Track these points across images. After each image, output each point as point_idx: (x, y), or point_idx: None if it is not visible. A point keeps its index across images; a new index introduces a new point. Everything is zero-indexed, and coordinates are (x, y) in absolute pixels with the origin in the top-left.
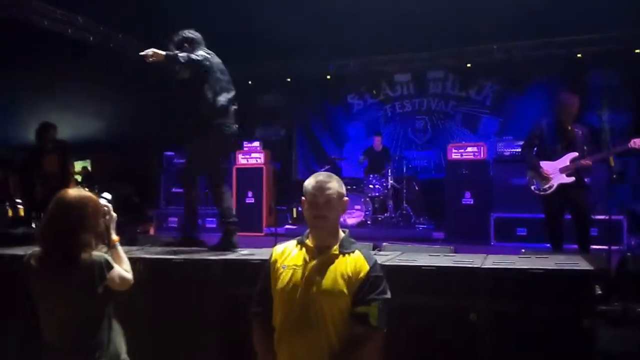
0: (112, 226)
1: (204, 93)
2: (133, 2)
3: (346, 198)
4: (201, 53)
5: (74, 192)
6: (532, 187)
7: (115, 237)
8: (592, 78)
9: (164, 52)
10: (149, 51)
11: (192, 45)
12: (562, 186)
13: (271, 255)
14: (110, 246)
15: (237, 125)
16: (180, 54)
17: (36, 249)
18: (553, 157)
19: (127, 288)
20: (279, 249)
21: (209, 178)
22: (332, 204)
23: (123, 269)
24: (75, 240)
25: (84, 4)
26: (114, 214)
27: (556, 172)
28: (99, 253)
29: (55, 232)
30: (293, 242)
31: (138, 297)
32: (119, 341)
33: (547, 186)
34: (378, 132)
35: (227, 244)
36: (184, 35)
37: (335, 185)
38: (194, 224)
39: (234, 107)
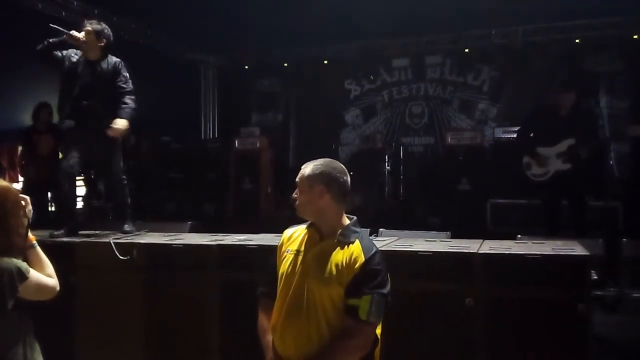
0: (28, 224)
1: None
2: None
3: (322, 186)
4: (126, 74)
5: None
6: (528, 173)
7: (31, 236)
8: (590, 63)
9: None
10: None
11: (107, 49)
12: (558, 172)
13: (281, 238)
14: (27, 247)
15: None
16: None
17: None
18: (550, 143)
19: (51, 297)
20: (288, 232)
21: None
22: (299, 189)
23: (45, 275)
24: None
25: None
26: (30, 209)
27: (553, 158)
28: (10, 259)
29: None
30: (304, 226)
31: (134, 282)
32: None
33: (543, 172)
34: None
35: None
36: (107, 33)
37: (307, 171)
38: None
39: None
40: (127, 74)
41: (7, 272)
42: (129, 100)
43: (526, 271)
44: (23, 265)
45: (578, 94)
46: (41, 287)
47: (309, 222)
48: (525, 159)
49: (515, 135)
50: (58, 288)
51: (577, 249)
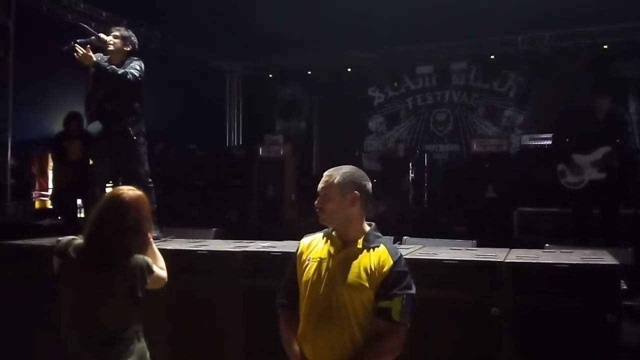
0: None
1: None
2: None
3: (355, 192)
4: (139, 66)
5: (131, 191)
6: (563, 181)
7: (150, 234)
8: (618, 69)
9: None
10: (81, 50)
11: (132, 55)
12: (592, 181)
13: (298, 247)
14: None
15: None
16: (115, 70)
17: (76, 239)
18: (585, 150)
19: (162, 286)
20: (306, 241)
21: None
22: (327, 197)
23: (159, 267)
24: (128, 242)
25: None
26: None
27: (588, 166)
28: (141, 257)
29: (108, 232)
30: (320, 234)
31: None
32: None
33: (577, 180)
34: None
35: None
36: (133, 39)
37: (336, 178)
38: None
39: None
40: (137, 66)
41: (139, 268)
42: (124, 70)
43: (554, 281)
44: (149, 260)
45: (613, 99)
46: (158, 279)
47: (327, 229)
48: (560, 167)
49: (550, 142)
50: (167, 279)
51: (606, 258)
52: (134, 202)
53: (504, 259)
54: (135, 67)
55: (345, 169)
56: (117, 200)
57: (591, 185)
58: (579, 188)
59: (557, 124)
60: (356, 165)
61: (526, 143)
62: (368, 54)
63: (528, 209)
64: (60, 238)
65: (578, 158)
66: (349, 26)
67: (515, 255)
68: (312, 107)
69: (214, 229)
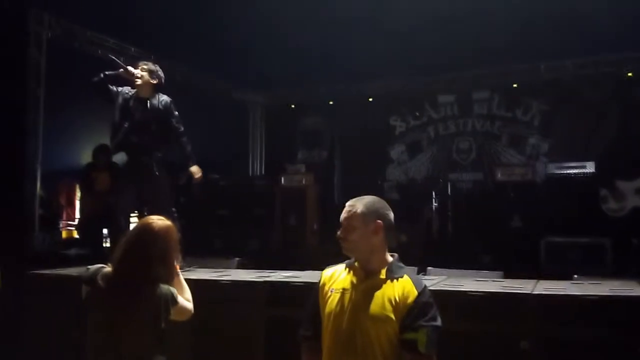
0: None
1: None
2: (177, 30)
3: (379, 221)
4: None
5: (160, 221)
6: (604, 207)
7: (177, 264)
8: None
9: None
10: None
11: (160, 89)
12: (635, 209)
13: (320, 278)
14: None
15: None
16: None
17: (104, 268)
18: (631, 176)
19: (187, 318)
20: (328, 272)
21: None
22: (350, 227)
23: (184, 299)
24: (155, 272)
25: (136, 34)
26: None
27: (631, 193)
28: (165, 285)
29: (136, 260)
30: (342, 265)
31: None
32: None
33: (619, 207)
34: None
35: None
36: (160, 74)
37: (359, 207)
38: None
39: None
40: (176, 112)
41: (164, 298)
42: (187, 142)
43: (583, 313)
44: (175, 291)
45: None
46: (183, 310)
47: (349, 260)
48: (602, 192)
49: (577, 171)
50: (193, 311)
51: (635, 290)
52: (163, 232)
53: (532, 291)
54: (176, 114)
55: (368, 198)
56: (147, 229)
57: (634, 212)
58: (620, 215)
59: (602, 151)
60: (378, 195)
61: (552, 171)
62: (389, 83)
63: (556, 239)
64: (89, 266)
65: (621, 184)
66: (370, 55)
67: (543, 287)
68: (333, 137)
69: (236, 259)
